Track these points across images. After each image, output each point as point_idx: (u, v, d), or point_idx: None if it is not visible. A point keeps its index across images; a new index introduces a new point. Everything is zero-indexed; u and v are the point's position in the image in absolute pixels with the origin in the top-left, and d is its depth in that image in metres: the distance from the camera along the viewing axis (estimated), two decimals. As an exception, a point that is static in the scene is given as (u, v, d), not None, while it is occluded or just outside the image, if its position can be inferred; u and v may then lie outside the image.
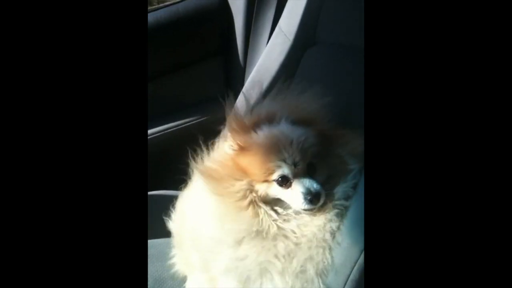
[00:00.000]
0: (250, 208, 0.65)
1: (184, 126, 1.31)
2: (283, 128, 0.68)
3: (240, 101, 1.13)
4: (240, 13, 1.30)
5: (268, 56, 1.08)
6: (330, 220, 0.64)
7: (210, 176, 0.68)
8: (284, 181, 0.65)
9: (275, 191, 0.66)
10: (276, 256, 0.63)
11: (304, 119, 0.70)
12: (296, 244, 0.63)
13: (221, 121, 1.25)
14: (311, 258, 0.62)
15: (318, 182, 0.65)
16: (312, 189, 0.64)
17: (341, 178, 0.67)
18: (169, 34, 1.28)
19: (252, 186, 0.66)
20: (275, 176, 0.65)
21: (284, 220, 0.65)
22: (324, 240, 0.63)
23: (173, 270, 0.82)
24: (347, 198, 0.65)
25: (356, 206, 0.64)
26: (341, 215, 0.64)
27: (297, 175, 0.65)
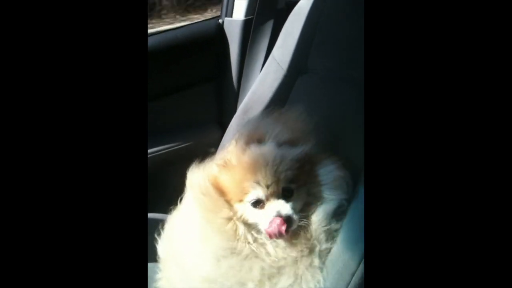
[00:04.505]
0: (230, 227, 0.65)
1: (177, 149, 1.32)
2: (266, 149, 0.67)
3: (232, 126, 1.15)
4: (235, 40, 1.34)
5: (261, 83, 1.12)
6: (314, 245, 0.63)
7: (197, 191, 0.69)
8: (258, 203, 0.65)
9: (249, 212, 0.66)
10: (252, 279, 0.62)
11: (291, 141, 0.70)
12: (278, 268, 0.62)
13: (213, 144, 1.28)
14: (298, 283, 0.62)
15: (293, 206, 0.64)
16: (283, 213, 0.63)
17: (318, 206, 0.66)
18: (167, 58, 1.31)
19: (231, 205, 0.67)
20: (249, 197, 0.65)
21: (260, 243, 0.65)
22: (312, 265, 0.62)
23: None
24: (326, 224, 0.65)
25: (348, 229, 0.64)
26: (324, 241, 0.64)
27: (270, 198, 0.65)
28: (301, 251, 0.63)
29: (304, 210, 0.66)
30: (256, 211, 0.65)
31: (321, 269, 0.63)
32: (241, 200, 0.66)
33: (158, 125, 1.34)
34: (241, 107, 1.16)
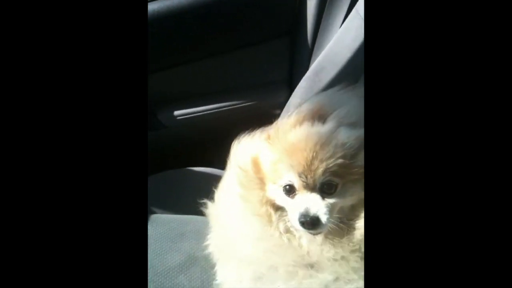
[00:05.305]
0: (263, 211, 0.60)
1: (241, 107, 1.30)
2: (315, 131, 0.56)
3: (301, 87, 1.07)
4: (315, -9, 1.21)
5: (340, 40, 0.99)
6: (358, 249, 0.56)
7: (236, 165, 0.65)
8: (290, 191, 0.57)
9: (280, 196, 0.59)
10: (284, 265, 0.58)
11: (354, 124, 0.58)
12: (313, 262, 0.57)
13: (279, 106, 1.22)
14: (337, 283, 0.56)
15: (331, 205, 0.55)
16: (310, 212, 0.54)
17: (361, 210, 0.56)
18: (241, 10, 1.24)
19: (265, 184, 0.61)
20: (282, 181, 0.58)
21: (292, 234, 0.59)
22: (355, 268, 0.55)
23: (207, 252, 0.80)
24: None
25: None
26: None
27: (303, 188, 0.56)
28: (340, 252, 0.56)
29: (355, 210, 0.57)
30: (287, 198, 0.59)
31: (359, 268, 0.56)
32: (274, 182, 0.60)
33: (225, 80, 1.31)
34: (312, 67, 1.06)
